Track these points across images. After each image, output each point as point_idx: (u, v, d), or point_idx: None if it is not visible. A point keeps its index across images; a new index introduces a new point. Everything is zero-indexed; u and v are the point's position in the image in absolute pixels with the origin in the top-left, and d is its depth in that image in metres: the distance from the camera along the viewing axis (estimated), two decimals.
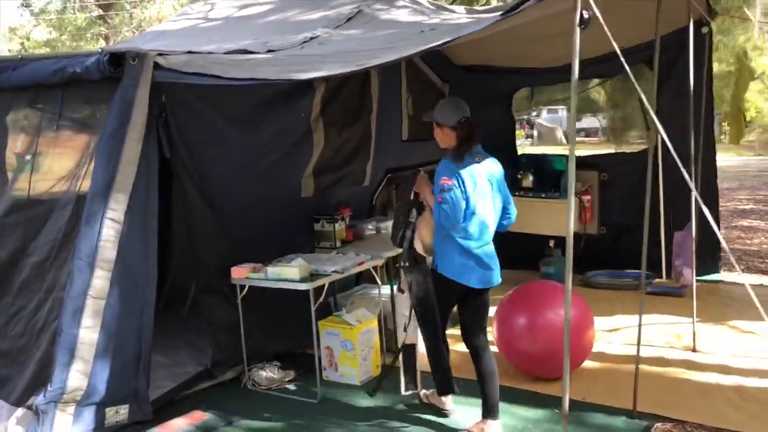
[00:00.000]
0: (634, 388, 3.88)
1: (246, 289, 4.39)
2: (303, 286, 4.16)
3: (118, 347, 3.75)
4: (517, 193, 6.57)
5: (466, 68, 6.91)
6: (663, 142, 6.23)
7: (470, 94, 7.17)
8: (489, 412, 3.75)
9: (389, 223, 5.56)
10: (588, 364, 4.52)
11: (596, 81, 8.62)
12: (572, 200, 2.91)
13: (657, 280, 6.43)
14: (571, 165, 2.95)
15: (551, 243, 6.60)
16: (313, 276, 4.29)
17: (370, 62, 3.25)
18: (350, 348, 4.50)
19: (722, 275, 6.71)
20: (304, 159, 4.97)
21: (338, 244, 5.03)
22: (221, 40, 4.94)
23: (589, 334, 4.36)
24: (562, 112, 26.68)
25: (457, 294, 3.75)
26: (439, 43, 3.15)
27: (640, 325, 4.05)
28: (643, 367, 4.55)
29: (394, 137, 6.03)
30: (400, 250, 4.79)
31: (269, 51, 4.43)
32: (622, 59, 2.98)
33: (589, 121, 27.35)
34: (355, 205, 5.51)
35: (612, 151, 7.32)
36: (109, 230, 3.67)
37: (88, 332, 3.65)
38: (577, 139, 8.36)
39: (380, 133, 5.76)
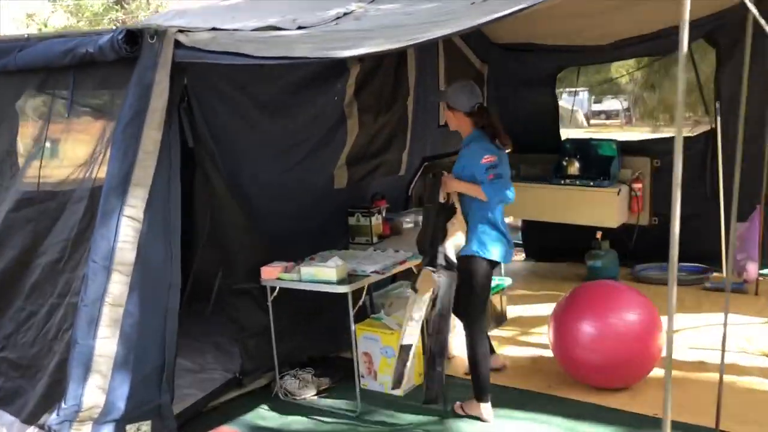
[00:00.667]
0: (717, 404, 3.43)
1: (277, 290, 4.01)
2: (341, 289, 3.76)
3: (139, 359, 3.37)
4: (563, 182, 6.14)
5: (506, 47, 6.43)
6: (724, 126, 5.78)
7: (511, 75, 6.74)
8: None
9: None
10: (655, 372, 4.07)
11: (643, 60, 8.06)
12: (679, 177, 2.38)
13: (715, 274, 5.96)
14: (678, 145, 2.42)
15: (599, 235, 6.13)
16: (351, 277, 3.89)
17: (425, 36, 2.81)
18: (391, 355, 4.10)
19: None
20: (337, 147, 4.55)
21: (375, 239, 4.62)
22: (246, 18, 4.51)
23: (659, 339, 3.92)
24: (582, 94, 26.01)
25: (491, 275, 3.80)
26: (510, 11, 2.70)
27: (725, 326, 3.54)
28: (717, 376, 4.13)
29: (431, 123, 5.59)
30: None
31: (300, 28, 4.00)
32: None
33: (609, 104, 26.64)
34: (390, 196, 5.08)
35: (658, 135, 6.77)
36: (127, 229, 3.28)
37: (106, 343, 3.27)
38: (598, 121, 7.89)
39: (417, 118, 5.33)
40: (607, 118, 26.84)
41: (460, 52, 5.94)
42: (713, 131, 5.86)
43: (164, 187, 3.38)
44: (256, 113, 3.91)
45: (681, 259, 5.95)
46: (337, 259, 3.91)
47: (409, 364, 3.76)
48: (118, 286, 3.27)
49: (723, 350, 3.50)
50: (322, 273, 3.83)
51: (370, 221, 4.57)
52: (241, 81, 3.79)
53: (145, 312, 3.36)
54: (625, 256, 6.27)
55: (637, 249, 6.29)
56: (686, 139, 6.21)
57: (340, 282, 3.80)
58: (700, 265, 6.11)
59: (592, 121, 26.77)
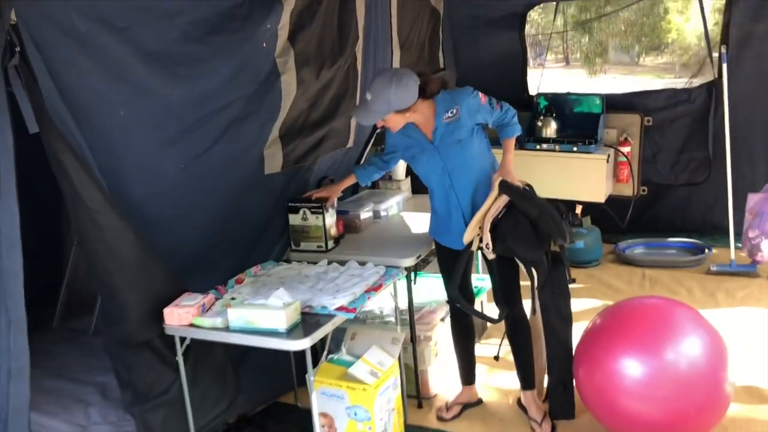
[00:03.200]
0: None
1: (189, 338, 2.67)
2: (295, 345, 2.46)
3: None
4: (537, 147, 5.00)
5: None
6: (731, 75, 4.77)
7: (470, 14, 5.40)
8: None
9: (389, 203, 3.89)
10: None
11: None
12: None
13: (714, 251, 5.04)
14: None
15: (578, 209, 5.07)
16: (306, 318, 2.59)
17: None
18: (363, 418, 2.85)
19: None
20: (268, 116, 3.16)
21: (330, 244, 3.31)
22: None
23: (729, 377, 2.88)
24: None
25: None
26: None
27: None
28: None
29: None
30: (425, 251, 3.26)
31: None
32: None
33: None
34: (337, 178, 3.76)
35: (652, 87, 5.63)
36: None
37: None
38: None
39: (367, 71, 3.97)
40: None
41: None
42: (717, 82, 4.85)
43: None
44: (143, 71, 2.43)
45: (676, 234, 5.08)
46: (282, 293, 2.59)
47: None
48: None
49: None
50: (263, 318, 2.50)
51: (324, 219, 3.24)
52: (115, 20, 2.31)
53: None
54: (605, 230, 5.29)
55: (615, 222, 5.29)
56: (685, 91, 5.21)
57: (292, 330, 2.50)
58: (694, 241, 5.18)
59: None
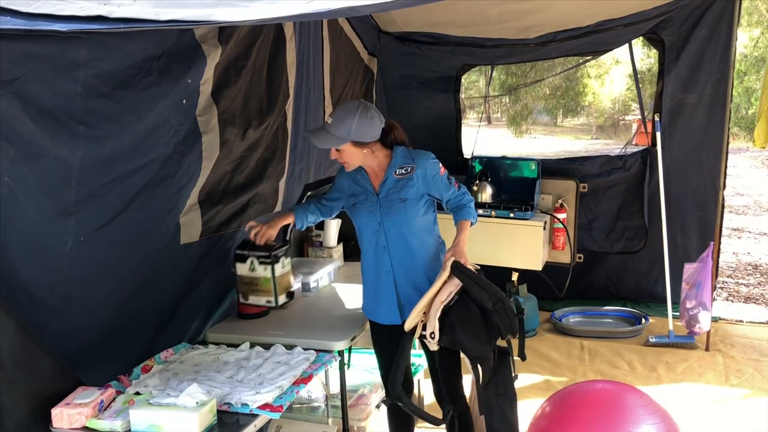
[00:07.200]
0: None
1: None
2: None
3: None
4: None
5: (400, 38, 5.00)
6: (665, 144, 4.75)
7: (404, 74, 5.26)
8: None
9: (320, 273, 3.58)
10: None
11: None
12: None
13: (651, 320, 4.93)
14: None
15: (515, 276, 4.89)
16: (223, 417, 2.23)
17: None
18: None
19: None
20: (186, 180, 2.82)
21: (281, 299, 2.93)
22: None
23: None
24: None
25: None
26: None
27: None
28: None
29: None
30: (360, 330, 2.98)
31: None
32: None
33: None
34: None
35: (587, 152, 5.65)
36: None
37: None
38: None
39: (297, 131, 3.71)
40: None
41: (348, 41, 4.40)
42: (651, 150, 4.83)
43: None
44: (34, 130, 2.06)
45: (610, 301, 4.94)
46: (195, 389, 2.22)
47: None
48: None
49: None
50: (172, 421, 2.12)
51: (273, 271, 2.87)
52: (7, 71, 1.96)
53: None
54: (540, 297, 5.14)
55: (556, 292, 5.16)
56: (620, 158, 5.17)
57: None
58: (630, 310, 5.08)
59: None
